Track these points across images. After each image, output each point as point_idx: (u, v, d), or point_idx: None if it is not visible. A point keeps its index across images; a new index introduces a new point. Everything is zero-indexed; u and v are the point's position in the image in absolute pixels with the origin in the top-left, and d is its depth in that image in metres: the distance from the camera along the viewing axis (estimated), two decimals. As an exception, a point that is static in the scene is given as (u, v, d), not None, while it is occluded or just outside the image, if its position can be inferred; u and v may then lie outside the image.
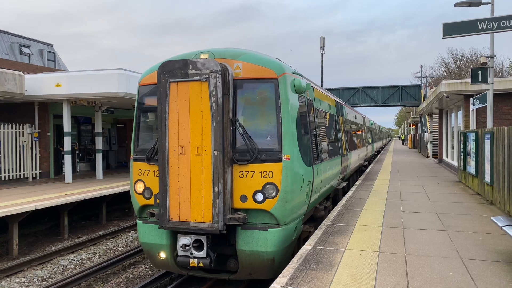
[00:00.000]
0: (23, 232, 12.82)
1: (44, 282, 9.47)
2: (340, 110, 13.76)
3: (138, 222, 7.62)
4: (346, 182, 13.80)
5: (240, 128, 6.89)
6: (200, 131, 6.66)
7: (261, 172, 6.79)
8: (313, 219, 9.30)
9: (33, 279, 9.65)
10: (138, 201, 7.62)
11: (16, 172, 16.95)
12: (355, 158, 16.76)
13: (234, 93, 6.99)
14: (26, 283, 9.38)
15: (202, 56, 7.21)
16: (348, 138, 14.91)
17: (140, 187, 7.57)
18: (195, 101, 6.68)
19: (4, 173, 16.39)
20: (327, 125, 10.68)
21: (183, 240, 6.96)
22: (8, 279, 9.63)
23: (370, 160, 28.50)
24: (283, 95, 6.95)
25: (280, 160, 6.76)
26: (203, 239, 6.91)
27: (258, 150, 6.81)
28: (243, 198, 6.86)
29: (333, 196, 12.27)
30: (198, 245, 6.96)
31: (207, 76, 6.61)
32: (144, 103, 7.99)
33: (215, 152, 6.56)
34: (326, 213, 10.08)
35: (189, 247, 6.92)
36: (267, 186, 6.76)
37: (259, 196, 6.78)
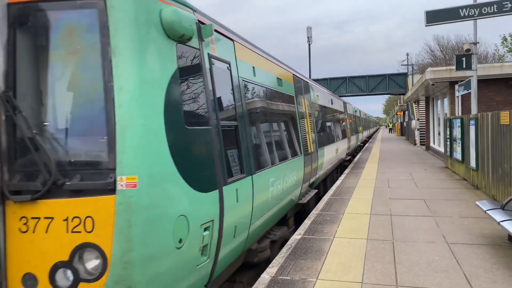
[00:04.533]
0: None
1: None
2: (304, 90, 10.08)
3: None
4: (317, 190, 10.52)
5: (19, 115, 3.36)
6: None
7: (68, 220, 3.22)
8: (248, 266, 6.12)
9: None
10: None
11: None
12: (331, 155, 13.14)
13: (12, 34, 3.47)
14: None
15: None
16: (319, 129, 11.56)
17: None
18: None
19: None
20: (272, 110, 6.96)
21: None
22: None
23: (355, 151, 26.49)
24: (124, 36, 3.33)
25: (112, 190, 3.18)
26: None
27: (62, 167, 3.30)
28: (30, 280, 3.30)
29: (300, 210, 9.46)
30: None
31: None
32: None
33: None
34: (276, 249, 6.95)
35: None
36: (82, 252, 3.21)
37: (65, 278, 3.23)
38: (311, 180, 9.84)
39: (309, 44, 33.51)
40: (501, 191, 8.72)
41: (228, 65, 5.11)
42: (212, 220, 4.11)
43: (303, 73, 11.88)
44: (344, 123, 18.59)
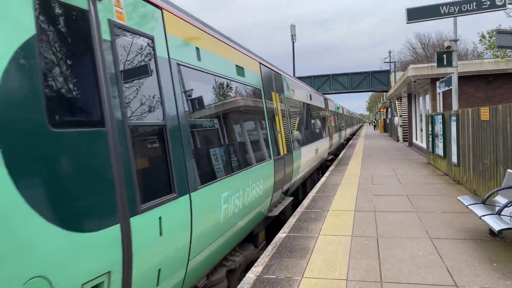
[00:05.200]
0: None
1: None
2: (275, 83, 8.91)
3: None
4: (292, 198, 9.41)
5: None
6: None
7: None
8: None
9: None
10: None
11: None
12: (310, 155, 12.06)
13: None
14: None
15: None
16: (295, 128, 10.48)
17: None
18: None
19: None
20: (227, 105, 5.66)
21: None
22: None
23: (338, 150, 25.60)
24: None
25: None
26: None
27: None
28: None
29: (276, 219, 8.53)
30: None
31: None
32: None
33: None
34: (239, 274, 5.93)
35: None
36: None
37: None
38: (285, 187, 8.78)
39: (293, 42, 33.60)
40: (482, 185, 8.86)
41: (150, 41, 3.71)
42: (109, 272, 2.77)
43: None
44: (325, 120, 17.78)
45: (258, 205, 6.58)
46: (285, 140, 8.83)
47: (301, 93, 12.35)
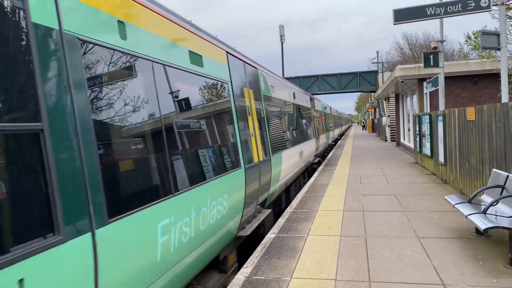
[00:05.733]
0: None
1: None
2: (249, 77, 7.72)
3: None
4: (270, 211, 8.21)
5: None
6: None
7: None
8: None
9: None
10: None
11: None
12: (293, 159, 11.01)
13: None
14: None
15: None
16: (275, 130, 9.37)
17: None
18: None
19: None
20: (170, 102, 4.35)
21: None
22: None
23: (326, 151, 24.68)
24: None
25: None
26: None
27: None
28: None
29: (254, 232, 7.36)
30: None
31: None
32: None
33: None
34: None
35: None
36: None
37: None
38: (261, 199, 7.68)
39: (282, 43, 33.66)
40: (468, 185, 8.97)
41: (20, 2, 2.46)
42: None
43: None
44: (311, 121, 16.88)
45: (223, 226, 5.40)
46: (261, 144, 7.70)
47: (283, 91, 11.17)
